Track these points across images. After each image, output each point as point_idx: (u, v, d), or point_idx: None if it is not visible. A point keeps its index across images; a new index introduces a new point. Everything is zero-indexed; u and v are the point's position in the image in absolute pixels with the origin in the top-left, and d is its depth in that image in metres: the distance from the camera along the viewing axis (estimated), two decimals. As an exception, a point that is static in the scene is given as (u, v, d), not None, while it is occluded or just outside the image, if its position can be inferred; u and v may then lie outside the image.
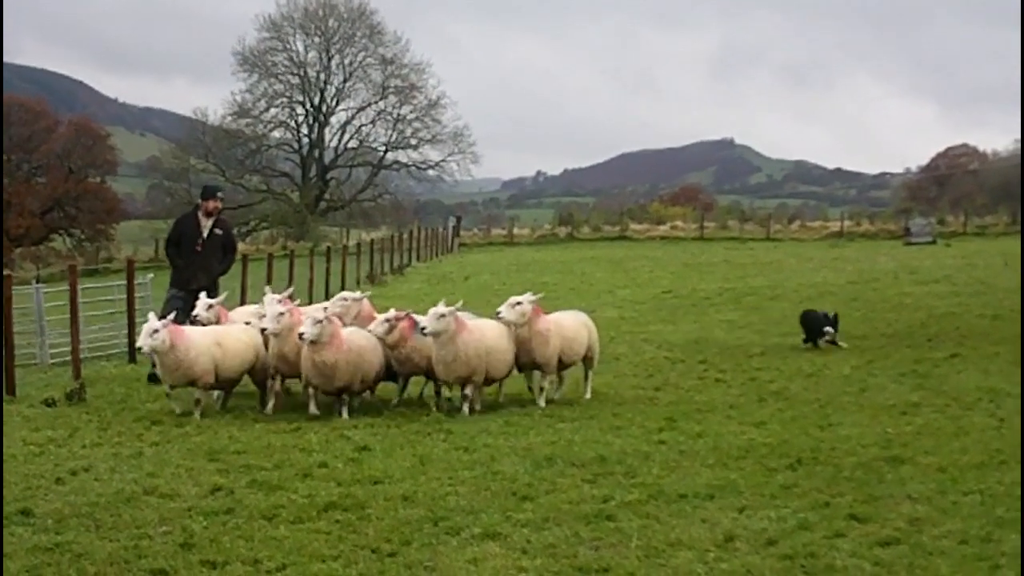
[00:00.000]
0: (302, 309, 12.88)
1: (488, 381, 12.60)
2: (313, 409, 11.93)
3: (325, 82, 71.58)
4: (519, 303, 12.57)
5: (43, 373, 16.07)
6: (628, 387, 14.44)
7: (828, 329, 17.76)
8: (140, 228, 65.48)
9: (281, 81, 71.50)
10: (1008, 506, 8.01)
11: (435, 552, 7.07)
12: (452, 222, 62.51)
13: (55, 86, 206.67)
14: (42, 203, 64.43)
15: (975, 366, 15.51)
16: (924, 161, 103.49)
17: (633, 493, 8.48)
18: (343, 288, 24.80)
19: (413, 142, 72.85)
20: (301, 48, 71.29)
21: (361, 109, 72.78)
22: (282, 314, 12.04)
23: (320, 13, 70.66)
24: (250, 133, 71.41)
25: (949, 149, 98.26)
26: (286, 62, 71.28)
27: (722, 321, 22.33)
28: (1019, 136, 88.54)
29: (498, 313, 12.57)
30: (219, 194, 15.63)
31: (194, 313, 13.16)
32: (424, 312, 12.27)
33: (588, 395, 13.49)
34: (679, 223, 65.75)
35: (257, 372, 12.81)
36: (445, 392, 12.65)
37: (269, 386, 12.80)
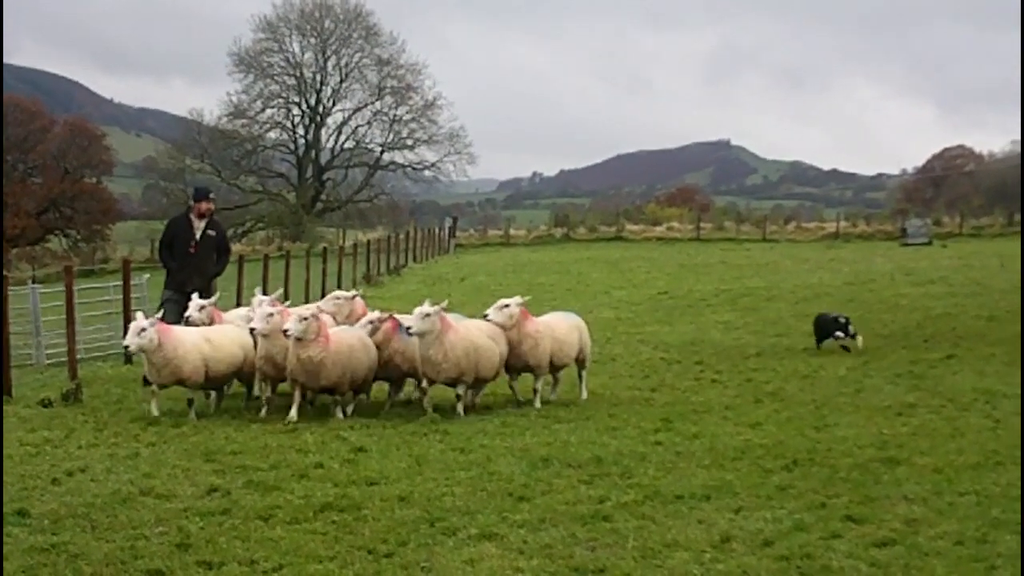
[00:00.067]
0: (295, 309, 12.85)
1: (478, 381, 12.58)
2: (293, 414, 11.71)
3: (321, 83, 71.56)
4: (506, 306, 12.58)
5: (39, 374, 16.07)
6: (624, 388, 14.45)
7: (839, 334, 17.56)
8: (136, 228, 65.39)
9: (277, 82, 71.45)
10: (1004, 507, 8.02)
11: (431, 553, 7.07)
12: (448, 223, 62.45)
13: (50, 86, 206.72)
14: (38, 203, 64.37)
15: (971, 367, 15.54)
16: (920, 162, 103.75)
17: (629, 494, 8.49)
18: (339, 289, 24.77)
19: (409, 143, 72.82)
20: (297, 49, 71.27)
21: (357, 110, 72.76)
22: (271, 315, 11.97)
23: (316, 14, 70.62)
24: (246, 134, 71.30)
25: (945, 150, 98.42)
26: (282, 63, 71.24)
27: (718, 322, 22.35)
28: (1015, 137, 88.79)
29: (486, 316, 12.59)
30: (211, 195, 15.57)
31: (186, 314, 13.12)
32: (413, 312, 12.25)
33: (584, 395, 13.49)
34: (675, 224, 65.71)
35: (246, 372, 12.78)
36: (434, 396, 12.58)
37: (261, 390, 12.79)
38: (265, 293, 14.29)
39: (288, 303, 13.79)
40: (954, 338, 18.79)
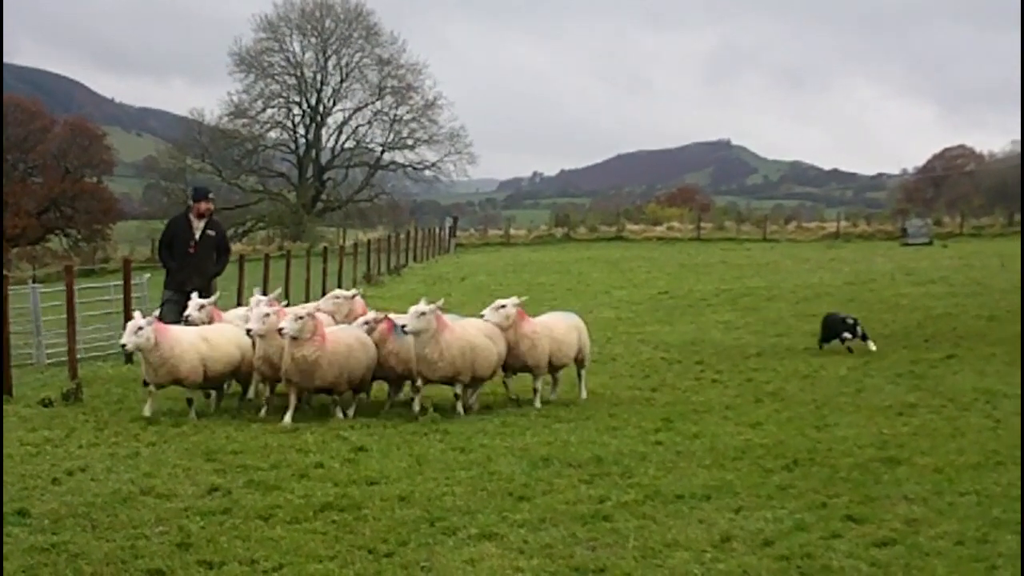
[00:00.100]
0: (292, 309, 12.83)
1: (475, 380, 12.56)
2: (287, 420, 11.60)
3: (322, 83, 71.55)
4: (503, 306, 12.59)
5: (39, 373, 16.06)
6: (625, 388, 14.45)
7: (846, 335, 17.38)
8: (137, 228, 65.36)
9: (278, 82, 71.45)
10: (1005, 507, 8.02)
11: (432, 552, 7.07)
12: (449, 222, 62.47)
13: (51, 86, 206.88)
14: (38, 203, 64.36)
15: (971, 367, 15.54)
16: (921, 162, 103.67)
17: (630, 494, 8.49)
18: (340, 289, 24.77)
19: (410, 143, 72.82)
20: (298, 49, 71.27)
21: (358, 109, 72.75)
22: (268, 315, 11.90)
23: (317, 14, 70.61)
24: (246, 133, 71.30)
25: (946, 150, 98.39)
26: (283, 63, 71.23)
27: (719, 322, 22.35)
28: (1015, 137, 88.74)
29: (482, 316, 12.59)
30: (210, 195, 15.56)
31: (186, 313, 13.11)
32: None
33: (583, 395, 13.50)
34: (676, 224, 65.71)
35: (243, 372, 12.75)
36: (433, 395, 12.55)
37: (259, 390, 12.77)
38: (265, 293, 14.27)
39: (286, 303, 13.75)
40: (955, 338, 18.79)
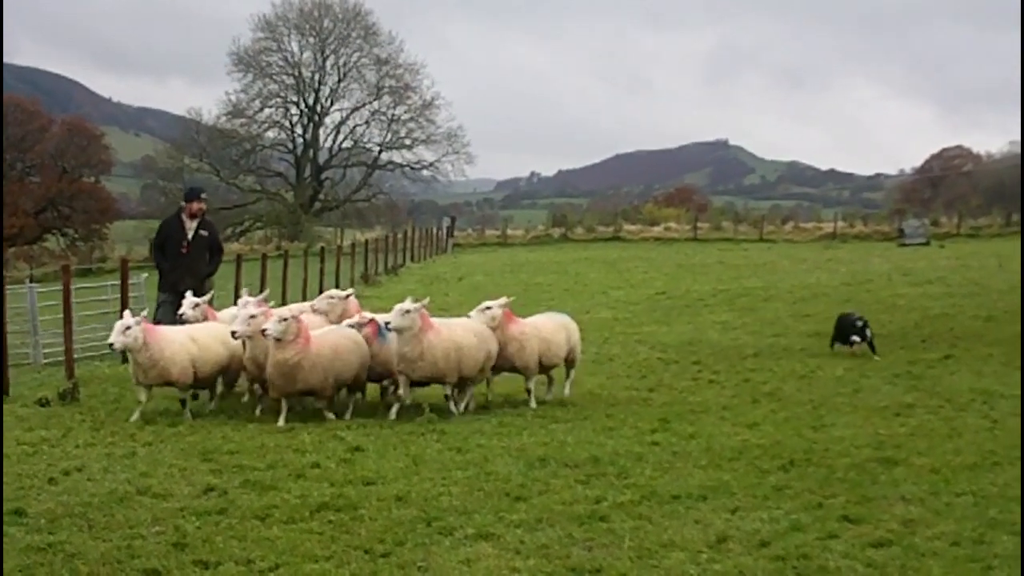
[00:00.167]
0: (279, 310, 12.78)
1: (463, 381, 12.49)
2: (281, 421, 11.56)
3: (320, 82, 71.50)
4: (489, 307, 12.58)
5: (36, 373, 16.06)
6: (621, 388, 14.45)
7: (855, 338, 17.10)
8: (134, 228, 65.31)
9: (276, 81, 71.36)
10: (1001, 508, 8.03)
11: (428, 552, 7.07)
12: (446, 222, 62.44)
13: (49, 86, 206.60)
14: (36, 203, 64.27)
15: (969, 367, 15.56)
16: (918, 162, 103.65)
17: (626, 494, 8.49)
18: (337, 288, 24.77)
19: (407, 142, 72.74)
20: (296, 48, 71.20)
21: (356, 109, 72.70)
22: (254, 316, 11.81)
23: (315, 13, 70.55)
24: (244, 133, 71.21)
25: (943, 150, 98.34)
26: (281, 62, 71.17)
27: (716, 322, 22.36)
28: (1013, 138, 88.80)
29: (468, 317, 12.59)
30: (202, 195, 15.55)
31: (180, 312, 13.10)
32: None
33: (567, 392, 13.48)
34: (673, 224, 65.68)
35: (232, 371, 12.67)
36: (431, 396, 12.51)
37: (251, 390, 12.74)
38: (261, 291, 14.25)
39: (272, 304, 13.69)
40: (952, 338, 18.80)
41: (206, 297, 13.57)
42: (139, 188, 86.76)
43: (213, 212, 59.59)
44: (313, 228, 65.22)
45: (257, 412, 12.24)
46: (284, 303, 18.99)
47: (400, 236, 47.28)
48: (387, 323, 11.91)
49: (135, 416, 11.81)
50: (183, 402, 12.15)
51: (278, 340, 11.43)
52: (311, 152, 72.49)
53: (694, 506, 8.19)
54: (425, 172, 74.06)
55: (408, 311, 11.78)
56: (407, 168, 73.73)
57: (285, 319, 11.53)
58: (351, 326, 12.41)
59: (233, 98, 70.79)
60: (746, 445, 10.39)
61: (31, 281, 22.41)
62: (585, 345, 15.67)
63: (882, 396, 13.44)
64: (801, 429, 11.25)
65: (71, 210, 65.27)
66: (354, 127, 73.08)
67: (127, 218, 71.89)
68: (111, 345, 11.94)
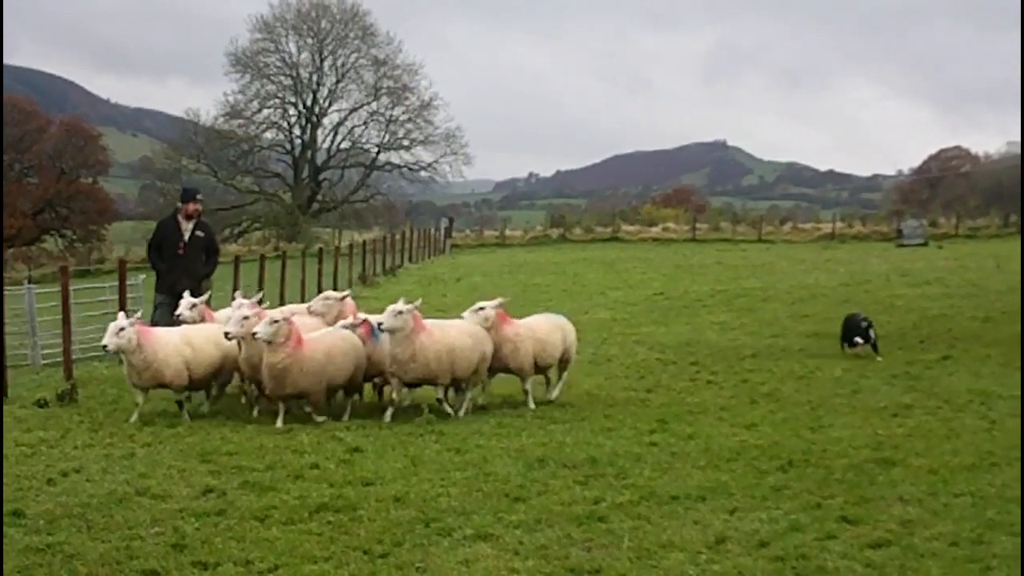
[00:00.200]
0: (272, 312, 12.73)
1: (457, 382, 12.44)
2: (279, 423, 11.55)
3: (318, 83, 71.49)
4: (482, 308, 12.56)
5: (35, 374, 16.06)
6: (620, 389, 14.45)
7: (858, 340, 17.06)
8: (132, 229, 65.30)
9: (273, 82, 71.34)
10: (999, 508, 8.04)
11: (427, 553, 7.07)
12: (444, 223, 62.43)
13: (46, 86, 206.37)
14: (34, 204, 64.27)
15: (967, 368, 15.56)
16: (916, 163, 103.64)
17: (625, 495, 8.49)
18: (335, 289, 24.76)
19: (405, 143, 72.75)
20: (294, 49, 71.20)
21: (353, 110, 72.69)
22: (247, 317, 11.75)
23: (313, 14, 70.54)
24: (242, 134, 71.16)
25: (941, 151, 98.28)
26: (278, 63, 71.15)
27: (714, 323, 22.36)
28: (1010, 138, 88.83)
29: (461, 318, 12.58)
30: (198, 196, 15.53)
31: (177, 312, 13.08)
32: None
33: (555, 395, 13.33)
34: (671, 225, 65.69)
35: (224, 372, 12.60)
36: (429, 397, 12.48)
37: (247, 391, 12.72)
38: (259, 293, 14.23)
39: (267, 305, 13.65)
40: (950, 339, 18.82)
41: (203, 298, 13.55)
42: (137, 189, 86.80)
43: (211, 213, 59.87)
44: (311, 229, 65.20)
45: (254, 413, 12.24)
46: (282, 304, 18.97)
47: (398, 237, 47.27)
48: (379, 324, 11.89)
49: (134, 417, 11.81)
50: (180, 404, 12.14)
51: (269, 343, 11.41)
52: (309, 153, 72.47)
53: (693, 507, 8.19)
54: (423, 173, 74.14)
55: (400, 312, 11.75)
56: (405, 169, 73.78)
57: (276, 321, 11.46)
58: (345, 326, 12.40)
59: (231, 99, 70.85)
60: (744, 446, 10.39)
61: (29, 282, 22.42)
62: (583, 346, 15.68)
63: (880, 397, 13.44)
64: (799, 430, 11.25)
65: (69, 211, 65.29)
66: (352, 128, 73.17)
67: (125, 219, 71.87)
68: (104, 347, 11.88)
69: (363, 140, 73.52)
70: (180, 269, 14.74)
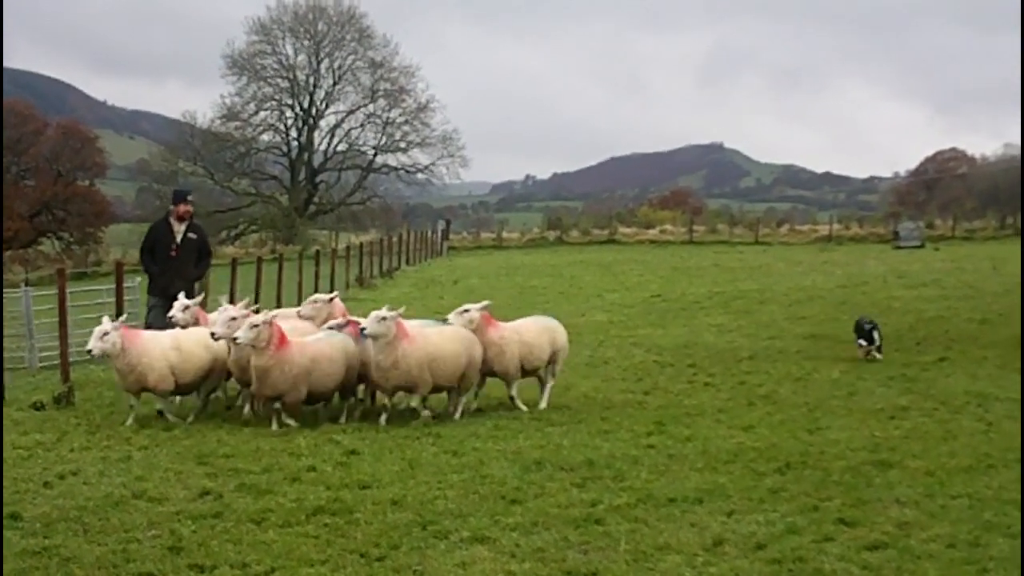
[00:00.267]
0: (256, 317, 12.69)
1: (437, 389, 12.34)
2: (274, 425, 11.55)
3: (314, 85, 71.47)
4: (467, 310, 12.50)
5: (31, 377, 16.04)
6: (617, 391, 14.44)
7: (860, 342, 16.91)
8: (129, 231, 65.02)
9: (270, 84, 71.34)
10: (996, 510, 8.04)
11: (423, 556, 7.07)
12: (441, 225, 62.50)
13: (43, 89, 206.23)
14: (31, 206, 64.27)
15: (964, 370, 15.57)
16: (913, 165, 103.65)
17: (622, 497, 8.49)
18: (320, 293, 24.73)
19: (402, 145, 72.74)
20: (290, 51, 71.19)
21: (350, 112, 72.68)
22: (234, 319, 11.70)
23: (309, 16, 70.54)
24: (239, 136, 71.13)
25: (938, 153, 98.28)
26: (275, 65, 71.13)
27: (711, 325, 22.36)
28: (1007, 140, 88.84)
29: (446, 321, 12.53)
30: (189, 197, 15.50)
31: (170, 314, 13.04)
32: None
33: (543, 405, 13.05)
34: (668, 227, 65.75)
35: (214, 375, 12.50)
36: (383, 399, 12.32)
37: (243, 394, 12.69)
38: (257, 296, 14.21)
39: (261, 307, 13.62)
40: (947, 341, 18.82)
41: (196, 300, 13.52)
42: (134, 191, 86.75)
43: (208, 215, 60.06)
44: (308, 231, 65.15)
45: (245, 411, 12.22)
46: (279, 307, 18.95)
47: (395, 239, 47.30)
48: (362, 329, 11.83)
49: (130, 420, 11.80)
50: (160, 412, 12.02)
51: (252, 346, 11.37)
52: (306, 155, 72.49)
53: (690, 509, 8.19)
54: (420, 175, 74.16)
55: (384, 318, 11.65)
56: (402, 171, 73.87)
57: (256, 325, 11.37)
58: (332, 327, 12.37)
59: (228, 101, 70.85)
60: (742, 448, 10.39)
61: (26, 285, 22.41)
62: (580, 348, 15.69)
63: (877, 399, 13.45)
64: (797, 432, 11.25)
65: (66, 213, 65.29)
66: (349, 130, 73.14)
67: (122, 221, 71.75)
68: (89, 351, 11.79)
69: (360, 142, 73.59)
70: (173, 271, 14.72)
